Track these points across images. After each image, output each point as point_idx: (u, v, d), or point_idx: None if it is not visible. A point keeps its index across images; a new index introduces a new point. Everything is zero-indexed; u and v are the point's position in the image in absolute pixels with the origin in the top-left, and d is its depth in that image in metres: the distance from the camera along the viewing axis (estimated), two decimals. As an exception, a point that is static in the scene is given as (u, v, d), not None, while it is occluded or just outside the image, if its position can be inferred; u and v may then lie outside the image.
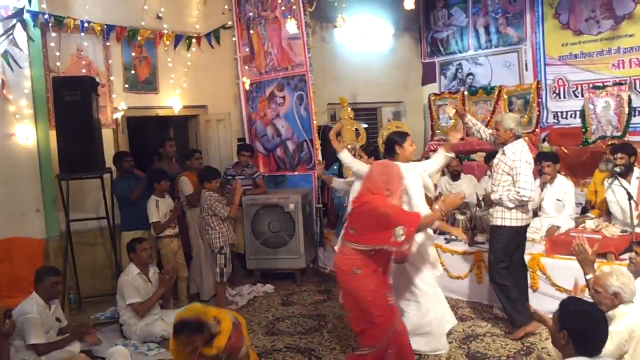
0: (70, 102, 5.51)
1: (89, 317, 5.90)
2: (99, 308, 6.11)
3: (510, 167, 4.62)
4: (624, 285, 3.20)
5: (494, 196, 4.70)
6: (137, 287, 5.11)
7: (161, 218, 5.92)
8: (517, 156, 4.59)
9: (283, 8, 7.19)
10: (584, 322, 2.51)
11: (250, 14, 7.64)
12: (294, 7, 7.01)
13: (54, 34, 6.13)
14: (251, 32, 7.69)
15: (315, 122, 7.21)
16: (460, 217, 6.24)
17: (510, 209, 4.64)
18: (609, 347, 2.92)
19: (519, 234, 4.81)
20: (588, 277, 3.50)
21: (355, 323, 4.00)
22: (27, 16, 5.69)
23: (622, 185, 5.27)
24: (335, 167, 7.25)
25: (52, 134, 5.80)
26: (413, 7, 6.17)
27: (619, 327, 3.07)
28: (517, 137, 4.72)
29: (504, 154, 4.72)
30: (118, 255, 6.10)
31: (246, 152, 7.09)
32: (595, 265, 3.62)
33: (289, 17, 6.89)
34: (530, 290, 5.17)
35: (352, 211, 4.01)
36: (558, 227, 5.75)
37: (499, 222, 4.72)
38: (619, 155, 5.57)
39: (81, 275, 6.28)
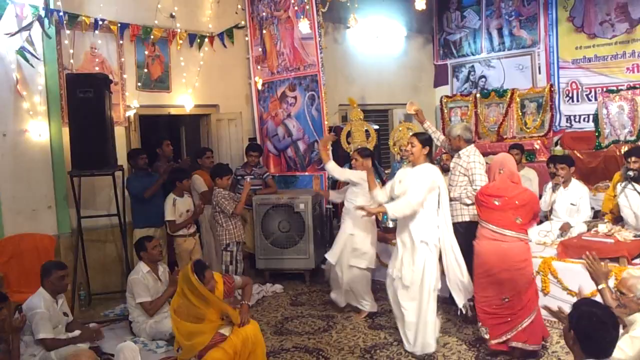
0: (83, 99, 5.52)
1: (99, 314, 5.93)
2: (108, 305, 6.15)
3: (465, 168, 5.13)
4: None
5: (452, 194, 5.11)
6: (147, 286, 5.12)
7: (177, 217, 5.94)
8: (471, 158, 5.12)
9: (296, 8, 7.20)
10: (590, 323, 2.48)
11: (263, 13, 7.66)
12: (307, 7, 7.01)
13: (68, 32, 6.18)
14: (264, 32, 7.70)
15: (326, 122, 7.22)
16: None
17: (468, 205, 5.06)
18: (630, 353, 2.86)
19: (475, 227, 5.04)
20: (600, 287, 3.43)
21: (519, 303, 4.31)
22: (42, 14, 5.73)
23: (637, 190, 5.21)
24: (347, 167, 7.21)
25: (65, 130, 5.84)
26: (424, 7, 6.13)
27: None
28: (469, 142, 5.23)
29: (459, 157, 5.22)
30: (128, 252, 6.12)
31: (253, 152, 7.09)
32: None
33: (302, 17, 6.89)
34: (541, 294, 5.14)
35: (511, 200, 4.31)
36: (572, 226, 5.73)
37: (459, 219, 5.12)
38: (633, 159, 5.50)
39: (91, 272, 6.32)
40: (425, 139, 4.77)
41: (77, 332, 4.47)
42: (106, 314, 5.94)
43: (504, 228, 4.29)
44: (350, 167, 5.82)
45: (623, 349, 2.88)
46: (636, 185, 5.34)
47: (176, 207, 5.95)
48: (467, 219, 5.11)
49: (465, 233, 4.93)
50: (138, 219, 6.26)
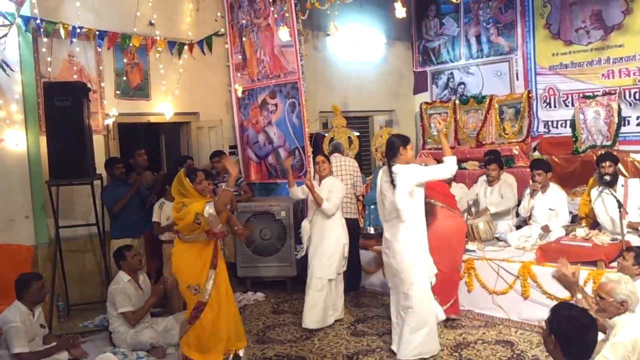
0: (61, 107, 5.46)
1: (78, 325, 5.84)
2: (87, 316, 6.06)
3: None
4: (631, 293, 3.16)
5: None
6: (129, 295, 5.07)
7: (163, 220, 5.89)
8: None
9: (276, 16, 7.20)
10: (571, 327, 2.50)
11: (243, 21, 7.65)
12: (287, 14, 7.01)
13: (45, 39, 6.10)
14: (244, 39, 7.68)
15: (307, 129, 7.20)
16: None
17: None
18: (613, 358, 2.89)
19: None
20: (576, 298, 3.46)
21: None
22: (18, 21, 5.67)
23: (612, 194, 5.28)
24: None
25: (43, 139, 5.76)
26: (404, 15, 6.16)
27: (623, 339, 2.99)
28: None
29: None
30: (107, 262, 6.04)
31: (212, 158, 7.00)
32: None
33: (282, 24, 6.89)
34: (521, 298, 5.24)
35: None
36: (550, 230, 5.80)
37: (349, 216, 6.29)
38: (608, 163, 5.60)
39: (70, 282, 6.22)
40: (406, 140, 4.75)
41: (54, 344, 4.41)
42: (85, 325, 5.85)
43: (454, 208, 5.55)
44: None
45: (607, 356, 2.90)
46: (612, 190, 5.41)
47: (163, 210, 5.91)
48: (355, 216, 6.26)
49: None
50: (115, 229, 6.18)
